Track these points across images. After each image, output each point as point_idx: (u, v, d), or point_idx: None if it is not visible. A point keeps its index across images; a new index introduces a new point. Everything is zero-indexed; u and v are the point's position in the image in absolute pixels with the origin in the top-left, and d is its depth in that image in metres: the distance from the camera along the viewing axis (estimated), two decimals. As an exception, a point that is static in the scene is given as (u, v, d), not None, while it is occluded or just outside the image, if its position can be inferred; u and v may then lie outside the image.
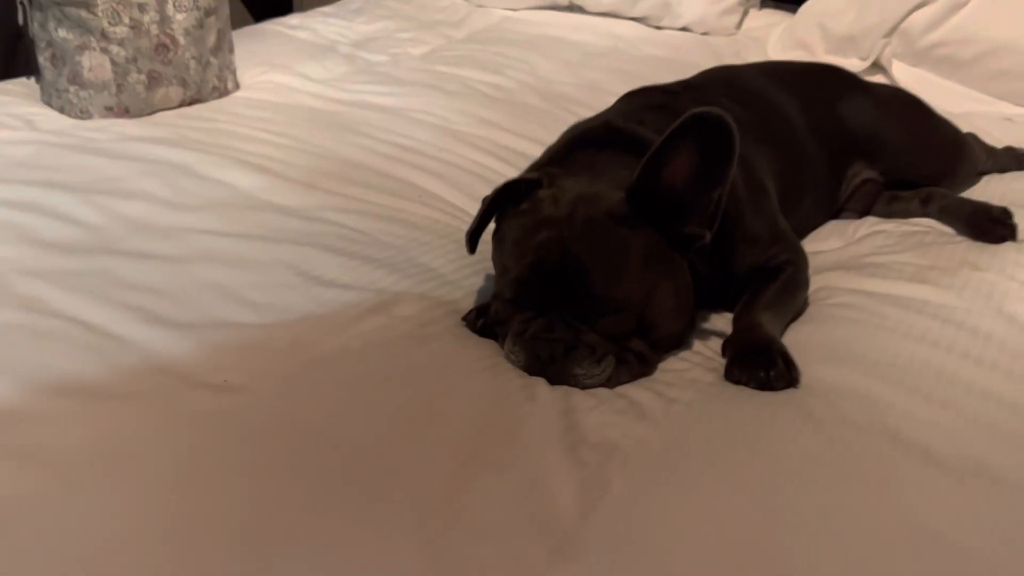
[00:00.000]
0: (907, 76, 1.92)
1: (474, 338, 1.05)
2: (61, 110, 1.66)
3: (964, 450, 0.87)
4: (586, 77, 1.91)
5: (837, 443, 0.88)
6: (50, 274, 1.05)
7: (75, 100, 1.64)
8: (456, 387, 0.94)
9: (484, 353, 1.01)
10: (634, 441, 0.87)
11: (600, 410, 0.92)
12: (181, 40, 1.69)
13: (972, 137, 1.63)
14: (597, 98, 1.61)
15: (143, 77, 1.65)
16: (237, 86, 1.85)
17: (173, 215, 1.22)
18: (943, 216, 1.44)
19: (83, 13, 1.58)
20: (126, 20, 1.61)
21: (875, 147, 1.48)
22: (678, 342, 1.07)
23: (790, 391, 0.98)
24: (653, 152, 0.97)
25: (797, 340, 1.09)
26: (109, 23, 1.59)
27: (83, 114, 1.64)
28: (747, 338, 1.04)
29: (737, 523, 0.77)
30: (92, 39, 1.60)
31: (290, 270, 1.11)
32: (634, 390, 0.97)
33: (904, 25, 1.90)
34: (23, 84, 1.76)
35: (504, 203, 1.05)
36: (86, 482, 0.77)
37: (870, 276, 1.23)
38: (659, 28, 2.26)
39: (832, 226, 1.46)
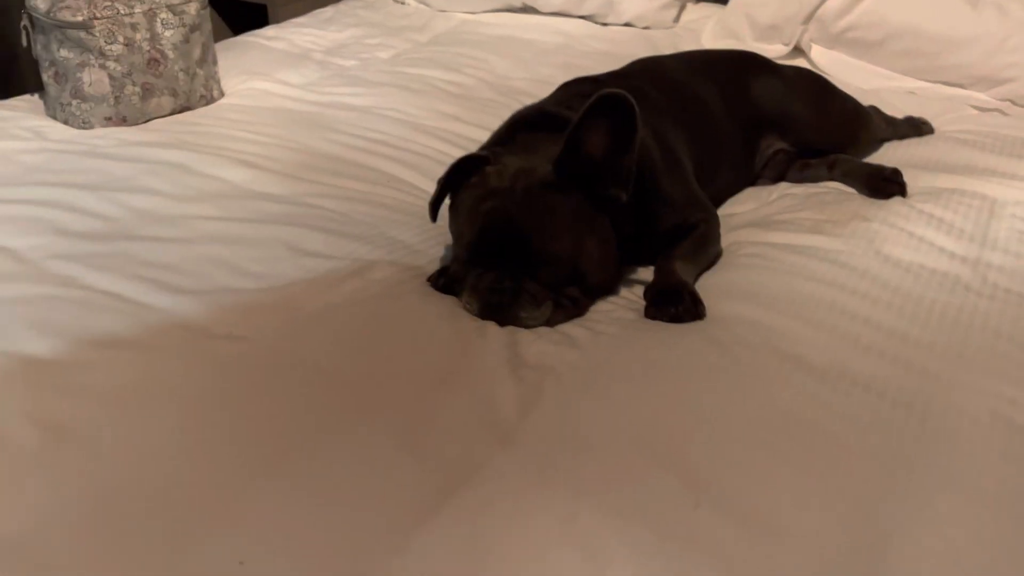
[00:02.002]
0: (824, 58, 2.14)
1: (437, 295, 1.25)
2: (65, 122, 1.85)
3: (832, 359, 1.09)
4: (537, 72, 2.12)
5: (732, 359, 1.09)
6: (78, 257, 1.25)
7: (77, 112, 1.83)
8: (421, 331, 1.15)
9: (445, 305, 1.22)
10: (566, 364, 1.08)
11: (539, 342, 1.13)
12: (170, 54, 1.88)
13: (874, 109, 1.85)
14: (546, 90, 1.79)
15: (138, 89, 1.84)
16: (222, 94, 2.04)
17: (177, 206, 1.42)
18: (846, 179, 1.66)
19: (82, 34, 1.77)
20: (120, 39, 1.80)
21: (784, 122, 1.69)
22: (607, 289, 1.28)
23: (698, 323, 1.19)
24: (572, 129, 1.18)
25: (708, 283, 1.30)
26: (105, 42, 1.79)
27: (85, 124, 1.83)
28: (662, 282, 1.26)
29: (648, 420, 0.97)
30: (91, 57, 1.79)
31: (281, 245, 1.31)
32: (569, 327, 1.18)
33: (819, 12, 2.12)
34: (27, 100, 1.95)
35: (458, 178, 1.26)
36: (129, 411, 0.97)
37: (775, 230, 1.44)
38: (605, 25, 2.47)
39: (749, 192, 1.68)
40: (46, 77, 1.86)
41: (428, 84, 2.04)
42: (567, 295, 1.21)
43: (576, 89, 1.50)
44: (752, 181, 1.70)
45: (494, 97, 1.98)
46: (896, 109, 1.95)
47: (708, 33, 2.31)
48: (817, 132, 1.71)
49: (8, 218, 1.38)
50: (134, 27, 1.83)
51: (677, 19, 2.47)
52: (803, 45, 2.16)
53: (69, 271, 1.22)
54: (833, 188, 1.64)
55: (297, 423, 0.97)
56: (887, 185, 1.57)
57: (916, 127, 1.87)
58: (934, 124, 1.90)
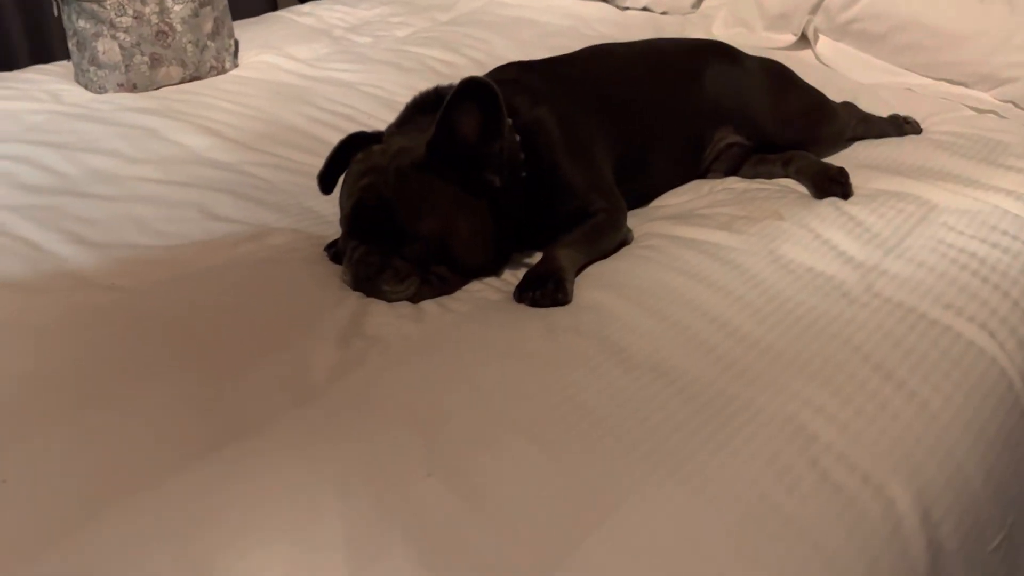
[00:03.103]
0: (829, 50, 2.06)
1: (326, 264, 1.33)
2: (86, 87, 2.04)
3: (654, 352, 1.09)
4: (531, 54, 2.13)
5: (557, 344, 1.11)
6: (19, 208, 1.41)
7: (94, 78, 2.01)
8: (286, 294, 1.23)
9: (325, 273, 1.30)
10: (399, 336, 1.14)
11: (387, 315, 1.19)
12: (178, 27, 2.03)
13: (846, 106, 1.78)
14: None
15: (146, 59, 2.01)
16: (235, 65, 2.19)
17: (127, 167, 1.56)
18: (799, 176, 1.61)
19: (95, 6, 1.95)
20: (130, 12, 1.97)
21: (739, 114, 1.66)
22: (483, 270, 1.31)
23: (556, 309, 1.21)
24: (441, 114, 1.23)
25: (590, 272, 1.32)
26: (116, 14, 1.95)
27: (100, 90, 2.01)
28: (539, 267, 1.28)
29: (432, 392, 1.01)
30: (104, 28, 1.96)
31: (195, 208, 1.42)
32: (428, 303, 1.23)
33: (826, 3, 2.05)
34: (62, 65, 2.16)
35: (347, 154, 1.32)
36: (5, 340, 1.11)
37: (688, 224, 1.43)
38: (624, 9, 2.46)
39: (693, 184, 1.65)
40: (71, 45, 2.05)
41: (421, 63, 2.11)
42: (435, 273, 1.26)
43: (499, 74, 1.53)
44: (700, 174, 1.68)
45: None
46: (887, 106, 1.87)
47: (720, 21, 2.26)
48: (774, 126, 1.67)
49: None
50: (143, 1, 1.98)
51: (697, 5, 2.43)
52: (810, 35, 2.09)
53: (4, 219, 1.37)
54: (782, 185, 1.60)
55: (129, 365, 1.07)
56: (830, 185, 1.52)
57: (898, 126, 1.79)
58: (924, 124, 1.81)
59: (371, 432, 0.96)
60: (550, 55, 2.11)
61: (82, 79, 2.04)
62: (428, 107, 1.39)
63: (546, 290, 1.22)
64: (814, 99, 1.71)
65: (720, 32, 2.22)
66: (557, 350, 1.10)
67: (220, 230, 1.37)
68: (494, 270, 1.33)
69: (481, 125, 1.24)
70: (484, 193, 1.27)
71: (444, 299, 1.25)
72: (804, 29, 2.09)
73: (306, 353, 1.10)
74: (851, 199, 1.48)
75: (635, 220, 1.51)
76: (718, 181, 1.66)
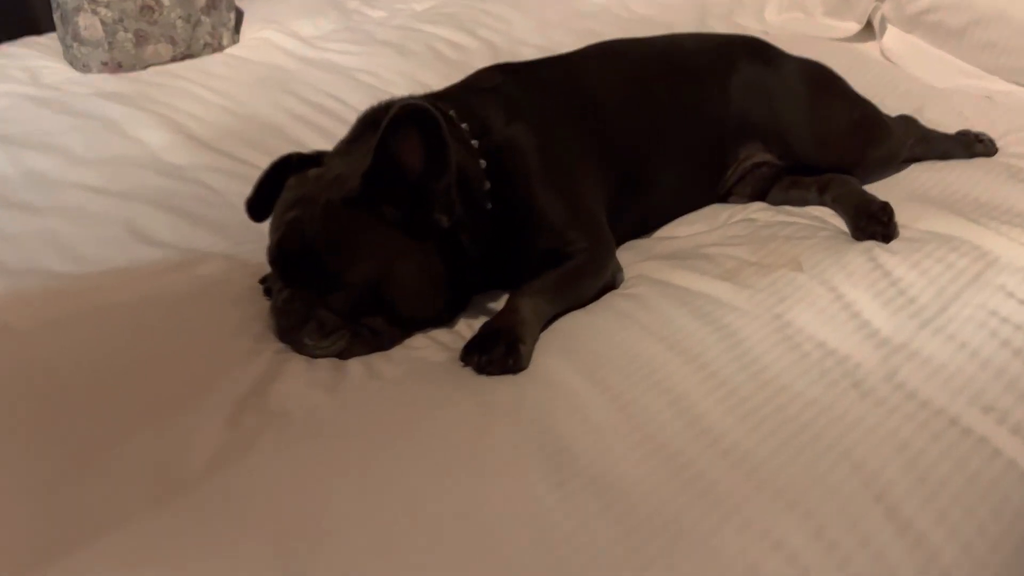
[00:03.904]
0: (898, 43, 1.77)
1: (256, 301, 1.16)
2: (71, 63, 1.90)
3: (600, 458, 0.88)
4: (553, 39, 1.91)
5: (486, 433, 0.91)
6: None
7: (78, 55, 1.87)
8: (192, 343, 1.06)
9: (250, 314, 1.13)
10: (306, 410, 0.96)
11: (300, 379, 1.01)
12: (166, 1, 1.87)
13: (902, 121, 1.50)
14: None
15: (131, 36, 1.85)
16: (234, 41, 2.02)
17: (69, 170, 1.41)
18: (836, 207, 1.36)
19: (74, -22, 1.80)
20: (111, -16, 1.81)
21: (771, 128, 1.41)
22: (430, 321, 1.12)
23: (503, 378, 1.01)
24: (378, 141, 1.03)
25: (559, 326, 1.11)
26: (96, -13, 1.80)
27: (85, 68, 1.87)
28: (494, 321, 1.08)
29: (324, 495, 0.84)
30: (84, 2, 1.81)
31: (125, 227, 1.27)
32: (355, 363, 1.05)
33: (897, -13, 1.75)
34: (52, 38, 2.02)
35: (281, 176, 1.14)
36: None
37: (687, 269, 1.20)
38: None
39: (709, 210, 1.42)
40: (55, 17, 1.91)
41: (428, 46, 1.90)
42: (368, 325, 1.08)
43: (475, 80, 1.32)
44: (720, 197, 1.44)
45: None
46: (962, 119, 1.58)
47: (773, 4, 1.97)
48: (811, 144, 1.41)
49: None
50: (126, -28, 1.83)
51: (753, -18, 2.14)
52: (876, 25, 1.79)
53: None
54: (814, 217, 1.35)
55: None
56: (869, 224, 1.27)
57: (967, 145, 1.50)
58: (1001, 143, 1.52)
59: (230, 545, 0.80)
60: (574, 41, 1.90)
61: (67, 55, 1.91)
62: (379, 125, 1.19)
63: (494, 354, 1.02)
64: (863, 113, 1.44)
65: (773, 17, 1.94)
66: (485, 444, 0.91)
67: (147, 255, 1.22)
68: (445, 320, 1.14)
69: (424, 156, 1.04)
70: (431, 233, 1.08)
71: (377, 357, 1.07)
72: (870, 17, 1.80)
73: (190, 429, 0.93)
74: (892, 244, 1.23)
75: (631, 254, 1.29)
76: (740, 207, 1.42)
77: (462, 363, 1.03)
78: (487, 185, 1.16)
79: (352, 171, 1.08)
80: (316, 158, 1.15)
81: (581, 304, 1.16)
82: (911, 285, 1.14)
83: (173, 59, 1.92)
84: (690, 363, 1.01)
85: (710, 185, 1.42)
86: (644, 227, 1.36)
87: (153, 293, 1.14)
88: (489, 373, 1.01)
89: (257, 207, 1.15)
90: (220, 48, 1.98)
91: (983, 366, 1.01)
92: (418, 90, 1.68)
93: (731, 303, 1.11)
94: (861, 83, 1.59)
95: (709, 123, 1.39)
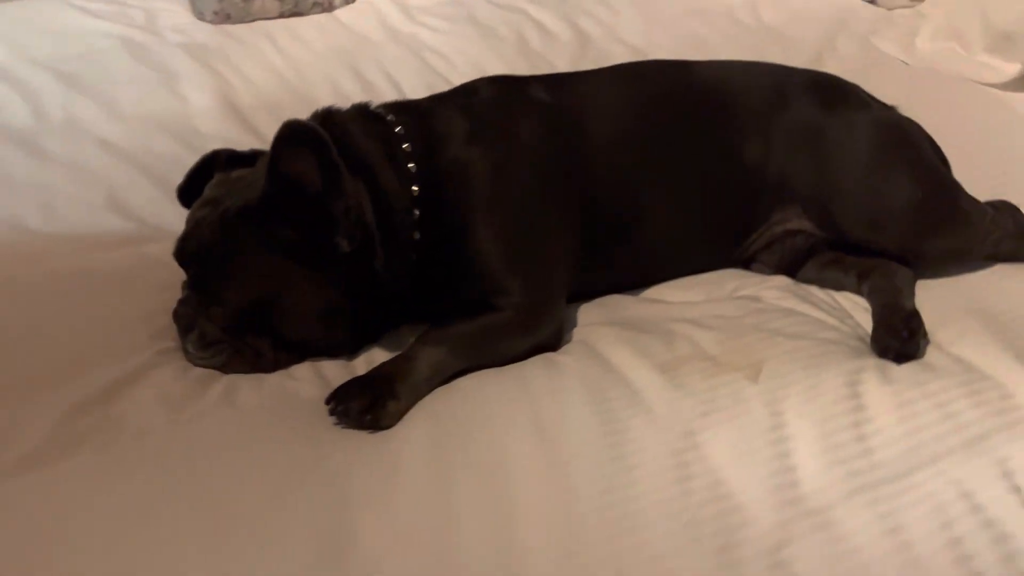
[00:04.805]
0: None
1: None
2: (191, 9, 1.96)
3: (345, 520, 0.79)
4: (653, 40, 1.71)
5: (278, 509, 0.83)
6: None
7: (197, 2, 1.93)
8: (83, 328, 1.06)
9: (162, 306, 1.10)
10: (137, 427, 0.92)
11: (154, 391, 0.97)
12: (278, -43, 1.87)
13: (999, 208, 1.19)
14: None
15: (240, -11, 1.88)
16: (348, 2, 1.99)
17: (103, 123, 1.46)
18: (871, 300, 1.12)
19: (192, -74, 1.84)
20: (224, -64, 1.84)
21: (815, 191, 1.18)
22: (325, 351, 1.04)
23: (354, 440, 0.92)
24: (270, 160, 0.95)
25: (450, 388, 0.99)
26: (210, -62, 1.84)
27: (200, 15, 1.92)
28: (380, 367, 0.99)
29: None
30: (201, -49, 1.86)
31: (107, 193, 1.29)
32: (221, 383, 1.00)
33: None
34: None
35: (212, 169, 1.09)
36: None
37: (634, 345, 1.04)
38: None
39: (719, 276, 1.22)
40: (185, -39, 1.98)
41: (518, 32, 1.77)
42: (252, 345, 1.02)
43: (458, 91, 1.19)
44: (740, 261, 1.23)
45: (567, 66, 1.65)
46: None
47: (929, 29, 1.64)
48: (859, 219, 1.16)
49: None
50: (240, -76, 1.84)
51: (920, -2, 1.79)
52: (1041, 73, 1.43)
53: None
54: (834, 309, 1.12)
55: None
56: (885, 335, 1.03)
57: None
58: None
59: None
60: (674, 45, 1.69)
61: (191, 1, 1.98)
62: (326, 125, 1.09)
63: (352, 407, 0.93)
64: (932, 192, 1.15)
65: (925, 45, 1.61)
66: (273, 506, 0.83)
67: (109, 226, 1.24)
68: (347, 351, 1.06)
69: (320, 176, 0.95)
70: (330, 258, 0.99)
71: (245, 382, 1.01)
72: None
73: (21, 420, 0.93)
74: (902, 367, 0.98)
75: (597, 311, 1.15)
76: (757, 279, 1.20)
77: (326, 407, 0.96)
78: (416, 213, 1.05)
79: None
80: (251, 157, 1.10)
81: (498, 363, 1.03)
82: (879, 431, 0.90)
83: (281, 15, 1.93)
84: (550, 469, 0.87)
85: (727, 246, 1.21)
86: (630, 283, 1.19)
87: (88, 267, 1.15)
88: (347, 425, 0.93)
89: (185, 196, 1.12)
90: (331, 8, 1.96)
91: (905, 567, 0.78)
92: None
93: (649, 403, 0.94)
94: (998, 147, 1.29)
95: (738, 173, 1.18)
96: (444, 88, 1.46)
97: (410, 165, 1.05)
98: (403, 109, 1.12)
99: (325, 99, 1.55)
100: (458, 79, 1.62)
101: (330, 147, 0.92)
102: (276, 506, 0.83)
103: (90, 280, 1.14)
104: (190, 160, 1.34)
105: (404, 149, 1.06)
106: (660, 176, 1.15)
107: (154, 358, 1.03)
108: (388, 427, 0.93)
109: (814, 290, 1.17)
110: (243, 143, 1.28)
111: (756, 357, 1.00)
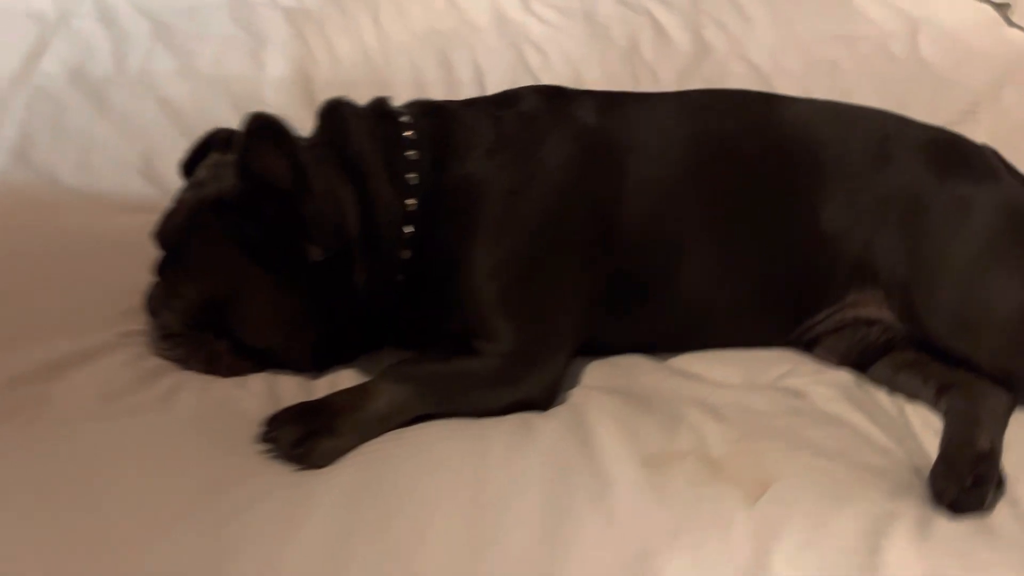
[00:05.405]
0: None
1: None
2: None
3: None
4: (777, 64, 1.49)
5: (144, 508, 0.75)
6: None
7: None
8: (70, 294, 1.02)
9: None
10: (62, 412, 0.87)
11: (100, 376, 0.91)
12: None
13: None
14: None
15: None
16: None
17: (173, 80, 1.42)
18: (945, 422, 0.90)
19: None
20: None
21: (903, 276, 0.96)
22: (285, 364, 0.94)
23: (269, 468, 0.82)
24: (239, 155, 0.86)
25: (399, 436, 0.87)
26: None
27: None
28: (329, 397, 0.89)
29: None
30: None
31: (145, 156, 1.27)
32: (169, 379, 0.92)
33: None
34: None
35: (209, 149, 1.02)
36: None
37: (628, 425, 0.89)
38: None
39: (768, 355, 1.03)
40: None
41: (632, 36, 1.59)
42: (207, 345, 0.94)
43: (497, 98, 1.04)
44: (800, 342, 1.02)
45: (671, 82, 1.46)
46: None
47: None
48: (951, 321, 0.94)
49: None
50: None
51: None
52: None
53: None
54: (894, 424, 0.92)
55: None
56: (946, 475, 0.82)
57: None
58: None
59: None
60: (802, 71, 1.48)
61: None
62: (330, 119, 0.99)
63: (283, 436, 0.83)
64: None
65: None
66: (126, 553, 0.73)
67: (136, 190, 1.21)
68: (307, 368, 0.96)
69: (290, 175, 0.85)
70: (296, 264, 0.89)
71: (193, 384, 0.92)
72: None
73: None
74: (953, 522, 0.77)
75: (608, 371, 0.99)
76: (812, 367, 1.00)
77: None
78: (407, 229, 0.93)
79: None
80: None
81: (471, 414, 0.90)
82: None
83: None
84: (468, 563, 0.73)
85: (785, 323, 1.02)
86: (661, 344, 1.02)
87: (97, 229, 1.12)
88: (277, 453, 0.83)
89: (188, 171, 1.05)
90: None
91: None
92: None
93: (612, 504, 0.79)
94: None
95: (810, 239, 0.98)
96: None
97: (410, 175, 0.93)
98: (426, 111, 1.00)
99: (402, 85, 1.47)
100: (547, 79, 1.48)
101: (292, 143, 0.82)
102: (145, 538, 0.73)
103: (93, 244, 1.10)
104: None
105: (408, 157, 0.94)
106: (711, 229, 0.97)
107: (115, 339, 0.97)
108: (319, 466, 0.83)
109: (880, 395, 0.96)
110: (303, 121, 1.22)
111: (766, 472, 0.82)
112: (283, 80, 1.45)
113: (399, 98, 1.38)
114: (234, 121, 1.29)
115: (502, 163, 0.94)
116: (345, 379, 0.95)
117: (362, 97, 1.17)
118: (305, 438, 0.83)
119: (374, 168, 0.92)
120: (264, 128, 0.83)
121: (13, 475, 0.78)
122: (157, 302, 0.96)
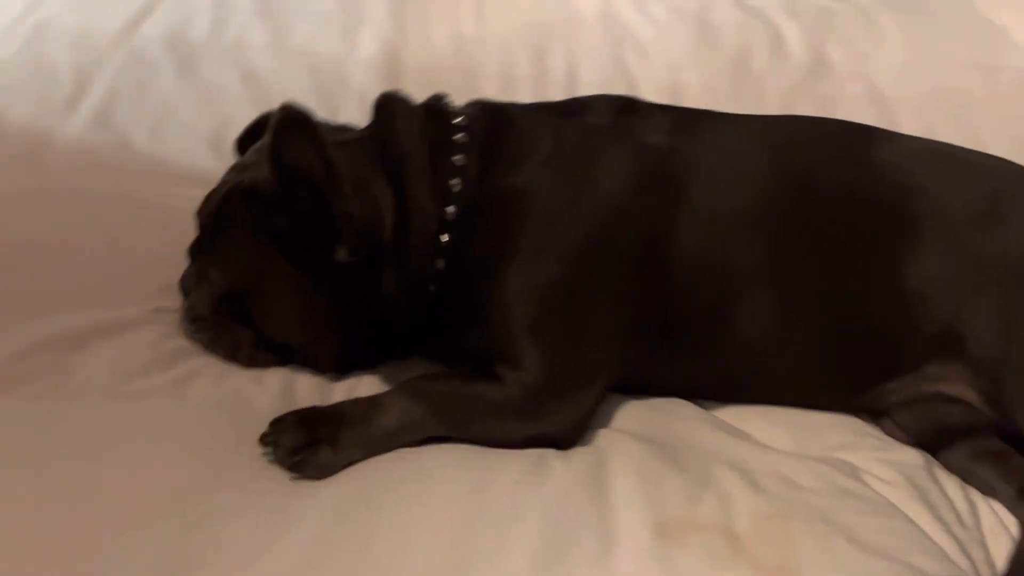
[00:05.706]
0: None
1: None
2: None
3: None
4: (906, 91, 1.34)
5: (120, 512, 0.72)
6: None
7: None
8: (112, 262, 1.02)
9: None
10: (76, 386, 0.86)
11: (118, 352, 0.90)
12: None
13: None
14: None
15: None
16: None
17: (264, 54, 1.41)
18: (1022, 528, 0.78)
19: None
20: None
21: (994, 352, 0.83)
22: (307, 361, 0.91)
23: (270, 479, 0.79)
24: (270, 146, 0.82)
25: (398, 458, 0.82)
26: None
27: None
28: (338, 405, 0.85)
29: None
30: None
31: (216, 128, 1.26)
32: (184, 364, 0.90)
33: None
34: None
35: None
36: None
37: (647, 479, 0.81)
38: None
39: (825, 420, 0.92)
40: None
41: (742, 44, 1.46)
42: (231, 332, 0.91)
43: (568, 104, 0.97)
44: (868, 410, 0.91)
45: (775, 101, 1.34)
46: None
47: None
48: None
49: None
50: None
51: None
52: None
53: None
54: (958, 520, 0.80)
55: None
56: None
57: None
58: None
59: None
60: (933, 100, 1.33)
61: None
62: (382, 114, 0.94)
63: (282, 441, 0.80)
64: None
65: None
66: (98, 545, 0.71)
67: (202, 163, 1.21)
68: (331, 368, 0.92)
69: (322, 171, 0.81)
70: (323, 263, 0.85)
71: (208, 372, 0.90)
72: None
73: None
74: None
75: (643, 414, 0.90)
76: (881, 443, 0.89)
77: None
78: (444, 238, 0.87)
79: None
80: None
81: (486, 443, 0.84)
82: None
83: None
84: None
85: (850, 387, 0.90)
86: (700, 391, 0.93)
87: (155, 199, 1.13)
88: (272, 458, 0.80)
89: (242, 149, 1.03)
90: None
91: None
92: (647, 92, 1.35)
93: (614, 568, 0.71)
94: None
95: (889, 298, 0.87)
96: (620, 92, 1.25)
97: (453, 181, 0.87)
98: (485, 113, 0.94)
99: (488, 78, 1.42)
100: (643, 84, 1.40)
101: (321, 138, 0.78)
102: (107, 533, 0.71)
103: (147, 213, 1.10)
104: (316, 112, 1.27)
105: (454, 161, 0.88)
106: (775, 272, 0.87)
107: (147, 314, 0.96)
108: (316, 477, 0.79)
109: (951, 485, 0.84)
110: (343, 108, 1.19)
111: (793, 559, 0.73)
112: (371, 61, 1.42)
113: (484, 90, 1.35)
114: (313, 100, 1.30)
115: (551, 178, 0.87)
116: (366, 385, 0.91)
117: (447, 85, 1.12)
118: (306, 446, 0.79)
119: (416, 170, 0.87)
120: (292, 120, 0.79)
121: (9, 447, 0.77)
122: (189, 282, 0.94)
